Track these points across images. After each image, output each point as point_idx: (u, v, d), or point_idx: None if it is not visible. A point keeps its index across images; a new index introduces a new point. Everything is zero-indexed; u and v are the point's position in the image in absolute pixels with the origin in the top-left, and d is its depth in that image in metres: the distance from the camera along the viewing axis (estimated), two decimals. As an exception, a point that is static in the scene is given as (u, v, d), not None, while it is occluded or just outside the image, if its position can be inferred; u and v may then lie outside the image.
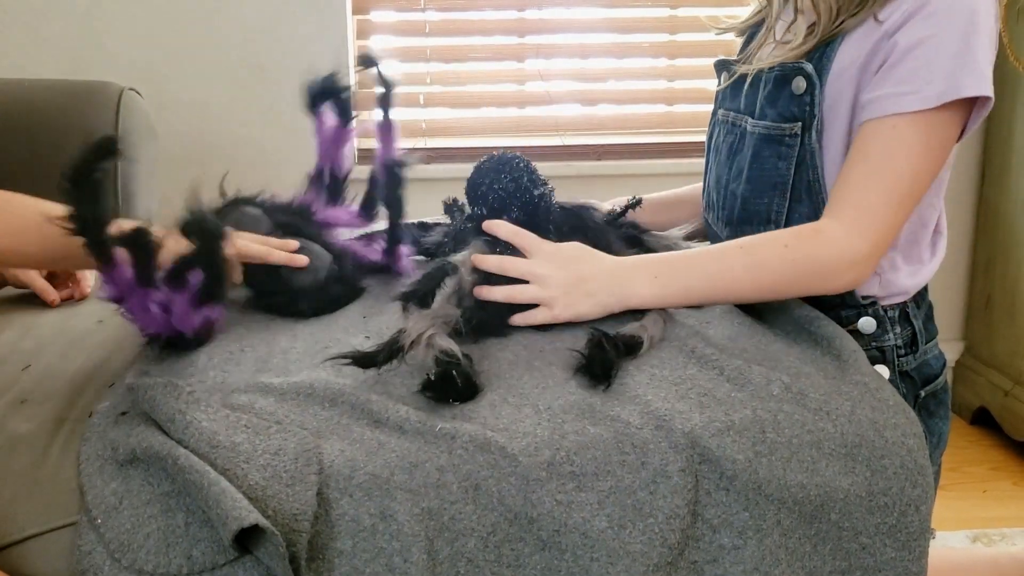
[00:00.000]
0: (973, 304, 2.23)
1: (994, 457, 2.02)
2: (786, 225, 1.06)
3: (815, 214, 1.04)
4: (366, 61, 1.14)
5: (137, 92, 1.67)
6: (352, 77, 1.97)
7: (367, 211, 1.18)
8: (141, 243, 0.88)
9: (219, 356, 0.93)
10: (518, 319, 0.97)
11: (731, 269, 0.98)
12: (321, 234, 1.09)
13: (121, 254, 0.89)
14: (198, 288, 0.91)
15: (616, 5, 2.16)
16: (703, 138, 2.06)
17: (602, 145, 2.18)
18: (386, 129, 1.13)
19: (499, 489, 0.78)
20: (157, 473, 0.78)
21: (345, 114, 1.13)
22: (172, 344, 0.94)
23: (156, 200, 1.67)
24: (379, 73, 1.13)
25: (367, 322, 1.02)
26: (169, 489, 0.77)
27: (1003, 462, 2.00)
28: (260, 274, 0.99)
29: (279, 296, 1.01)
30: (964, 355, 2.24)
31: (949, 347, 2.25)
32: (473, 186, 1.06)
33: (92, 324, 1.13)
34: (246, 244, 0.97)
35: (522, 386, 0.88)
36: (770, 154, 1.06)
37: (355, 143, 2.09)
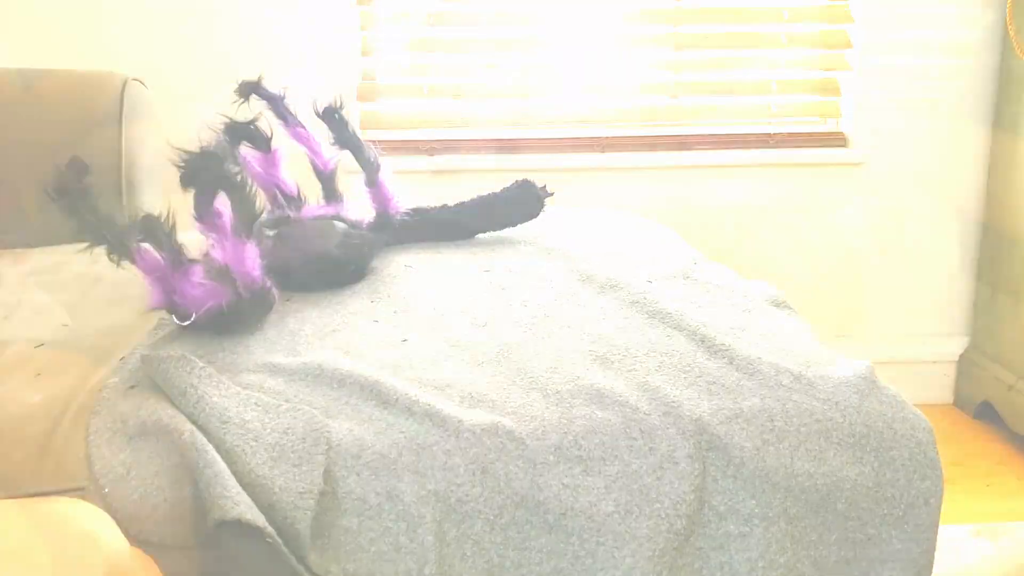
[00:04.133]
0: (978, 298, 2.22)
1: (998, 451, 2.01)
2: None
3: None
4: (244, 90, 1.20)
5: (141, 82, 1.66)
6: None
7: (332, 198, 1.25)
8: (154, 227, 0.89)
9: (228, 337, 0.94)
10: None
11: None
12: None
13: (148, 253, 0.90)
14: (235, 218, 0.92)
15: (621, -3, 2.15)
16: (707, 131, 2.05)
17: (606, 137, 2.17)
18: (299, 135, 1.22)
19: (506, 472, 0.77)
20: (167, 445, 0.78)
21: (261, 144, 1.18)
22: (245, 310, 0.93)
23: (160, 190, 1.67)
24: (261, 95, 1.21)
25: (375, 307, 1.02)
26: (178, 461, 0.77)
27: (1007, 456, 1.99)
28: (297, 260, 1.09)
29: (318, 263, 1.09)
30: (969, 349, 2.24)
31: (954, 341, 2.24)
32: None
33: (103, 304, 1.13)
34: None
35: (531, 369, 0.88)
36: None
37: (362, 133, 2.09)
